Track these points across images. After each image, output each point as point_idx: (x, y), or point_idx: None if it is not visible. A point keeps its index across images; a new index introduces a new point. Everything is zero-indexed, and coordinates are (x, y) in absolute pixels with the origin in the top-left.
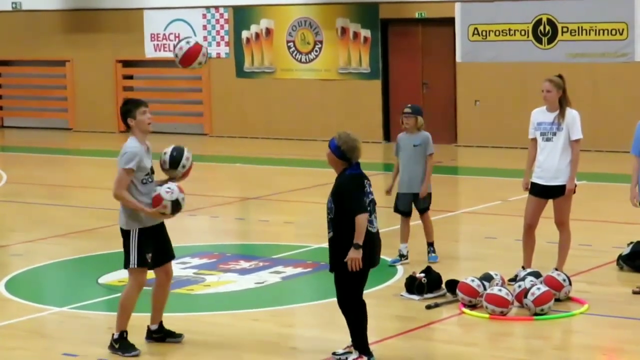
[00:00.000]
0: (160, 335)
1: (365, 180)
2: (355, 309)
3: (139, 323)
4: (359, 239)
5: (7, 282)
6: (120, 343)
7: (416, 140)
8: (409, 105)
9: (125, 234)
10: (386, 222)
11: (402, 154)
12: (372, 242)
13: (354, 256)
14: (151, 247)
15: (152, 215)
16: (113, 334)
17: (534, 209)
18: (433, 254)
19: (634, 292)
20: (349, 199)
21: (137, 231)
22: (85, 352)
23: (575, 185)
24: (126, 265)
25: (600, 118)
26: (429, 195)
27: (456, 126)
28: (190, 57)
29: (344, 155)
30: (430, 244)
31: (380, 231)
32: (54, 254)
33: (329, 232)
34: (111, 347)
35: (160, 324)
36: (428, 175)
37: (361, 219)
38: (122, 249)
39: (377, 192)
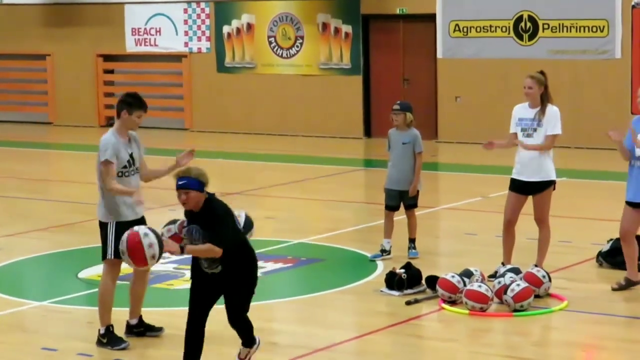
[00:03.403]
0: (140, 329)
1: None
2: (248, 321)
3: (118, 317)
4: (194, 251)
5: None
6: (108, 337)
7: (405, 137)
8: (398, 102)
9: (103, 226)
10: (365, 218)
11: (392, 150)
12: (255, 266)
13: (175, 250)
14: None
15: (134, 198)
16: (99, 330)
17: (514, 205)
18: (413, 250)
19: (613, 289)
20: (225, 225)
21: (114, 224)
22: (64, 347)
23: (555, 182)
24: (104, 257)
25: (581, 115)
26: (417, 192)
27: (437, 122)
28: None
29: (205, 186)
30: (412, 240)
31: (361, 227)
32: (33, 248)
33: (214, 266)
34: (99, 342)
35: (140, 318)
36: (417, 173)
37: (214, 250)
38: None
39: (361, 188)
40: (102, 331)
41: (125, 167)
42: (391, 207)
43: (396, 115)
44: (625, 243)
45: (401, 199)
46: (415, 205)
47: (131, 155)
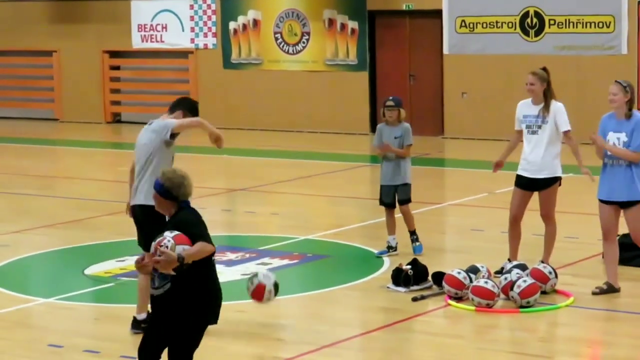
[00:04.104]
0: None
1: None
2: None
3: (126, 314)
4: (191, 255)
5: None
6: None
7: (397, 132)
8: (391, 97)
9: (156, 213)
10: (372, 214)
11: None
12: (213, 295)
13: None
14: None
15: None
16: None
17: (520, 201)
18: (417, 243)
19: (594, 293)
20: (199, 232)
21: None
22: (70, 343)
23: (560, 178)
24: None
25: (587, 111)
26: (409, 187)
27: (443, 118)
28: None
29: (169, 193)
30: (413, 232)
31: (368, 223)
32: (40, 244)
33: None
34: None
35: (148, 313)
36: (399, 153)
37: (207, 248)
38: (108, 240)
39: (367, 184)
40: None
41: (172, 158)
42: (388, 204)
43: (390, 111)
44: (607, 242)
45: (396, 195)
46: (408, 201)
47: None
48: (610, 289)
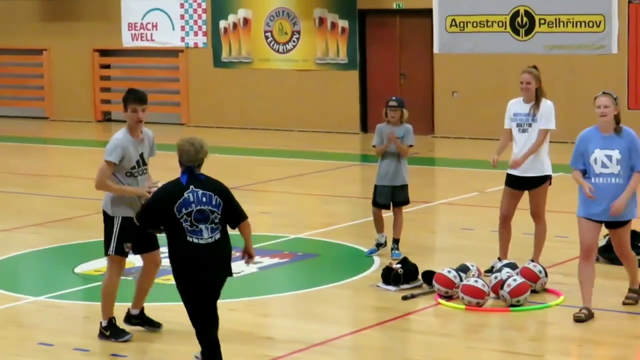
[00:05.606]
0: (139, 321)
1: (186, 192)
2: (203, 347)
3: (117, 313)
4: None
5: None
6: (111, 330)
7: (399, 132)
8: (394, 98)
9: (109, 219)
10: (362, 213)
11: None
12: (194, 256)
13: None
14: (131, 237)
15: (138, 194)
16: (101, 322)
17: (510, 200)
18: (397, 251)
19: (579, 320)
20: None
21: (120, 219)
22: (61, 342)
23: (550, 177)
24: (106, 252)
25: (577, 110)
26: (407, 188)
27: (433, 117)
28: None
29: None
30: (396, 241)
31: (358, 222)
32: (30, 243)
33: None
34: (101, 335)
35: (142, 310)
36: (401, 149)
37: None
38: (99, 239)
39: (357, 183)
40: (104, 324)
41: (134, 167)
42: (382, 205)
43: (393, 111)
44: (587, 262)
45: (392, 196)
46: (405, 202)
47: (141, 155)
48: (590, 315)
